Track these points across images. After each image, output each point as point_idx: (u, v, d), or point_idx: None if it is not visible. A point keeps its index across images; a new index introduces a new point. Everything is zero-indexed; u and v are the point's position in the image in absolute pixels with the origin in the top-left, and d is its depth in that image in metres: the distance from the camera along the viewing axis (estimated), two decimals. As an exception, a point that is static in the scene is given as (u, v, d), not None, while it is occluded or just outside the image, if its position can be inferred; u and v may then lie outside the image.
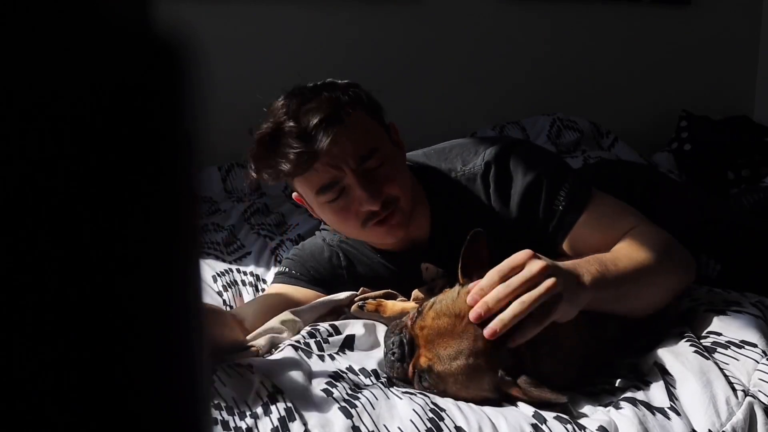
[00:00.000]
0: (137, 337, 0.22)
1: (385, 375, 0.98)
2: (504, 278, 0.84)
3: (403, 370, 0.93)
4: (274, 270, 1.55)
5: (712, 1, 3.02)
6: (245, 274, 1.50)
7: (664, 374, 0.92)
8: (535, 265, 0.84)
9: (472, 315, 0.84)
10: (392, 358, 0.94)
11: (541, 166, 1.14)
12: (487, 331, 0.83)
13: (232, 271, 1.48)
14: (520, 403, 0.88)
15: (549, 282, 0.83)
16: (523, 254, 0.86)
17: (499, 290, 0.83)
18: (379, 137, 1.12)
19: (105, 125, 0.21)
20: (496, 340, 0.85)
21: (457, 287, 0.94)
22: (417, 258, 1.23)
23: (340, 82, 1.16)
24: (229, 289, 1.41)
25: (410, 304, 1.13)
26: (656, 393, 0.88)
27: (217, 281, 1.42)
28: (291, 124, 1.06)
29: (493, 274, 0.85)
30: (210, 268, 1.47)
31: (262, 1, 2.46)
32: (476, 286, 0.86)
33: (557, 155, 1.29)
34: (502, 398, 0.89)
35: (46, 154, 0.20)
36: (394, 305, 1.14)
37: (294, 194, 1.21)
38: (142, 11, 0.22)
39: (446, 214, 1.19)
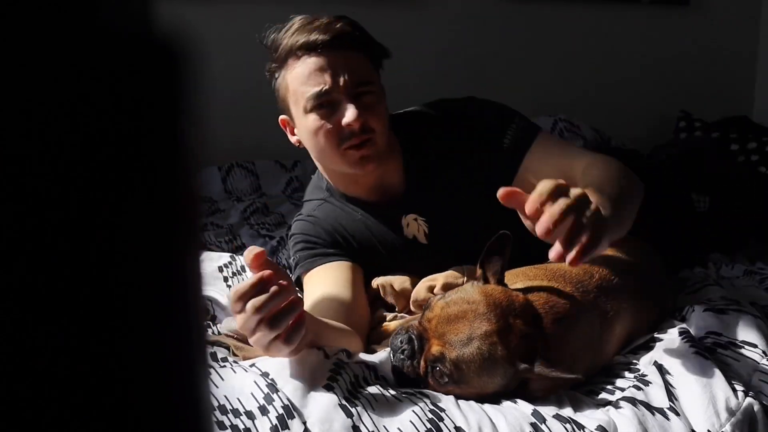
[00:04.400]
0: (136, 334, 0.23)
1: (383, 375, 0.96)
2: (554, 193, 0.78)
3: (414, 368, 0.90)
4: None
5: (710, 1, 3.02)
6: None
7: (664, 374, 0.92)
8: (576, 190, 0.80)
9: (541, 230, 0.76)
10: (402, 357, 0.91)
11: (491, 109, 1.28)
12: (553, 255, 0.77)
13: (235, 259, 1.49)
14: (519, 402, 0.87)
15: (593, 205, 0.80)
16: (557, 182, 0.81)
17: (561, 203, 0.76)
18: (375, 77, 1.22)
19: (105, 126, 0.21)
20: (508, 325, 0.86)
21: (470, 281, 0.93)
22: (395, 211, 1.29)
23: (355, 23, 1.26)
24: (236, 276, 1.42)
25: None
26: (656, 393, 0.88)
27: (222, 271, 1.43)
28: (309, 21, 1.20)
29: (548, 184, 0.78)
30: (214, 261, 1.48)
31: (262, 1, 2.46)
32: (533, 194, 0.79)
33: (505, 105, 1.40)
34: (512, 387, 0.88)
35: (46, 155, 0.20)
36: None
37: (281, 117, 1.26)
38: (142, 12, 0.22)
39: (420, 164, 1.26)
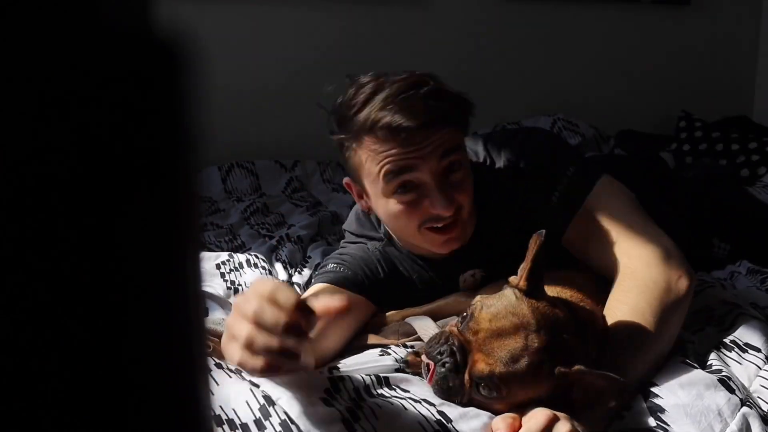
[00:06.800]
0: (136, 334, 0.22)
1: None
2: None
3: (459, 380, 0.86)
4: (277, 266, 1.55)
5: (711, 1, 3.02)
6: (249, 254, 1.53)
7: (647, 388, 0.88)
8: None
9: None
10: (443, 370, 0.87)
11: (544, 157, 1.14)
12: None
13: (233, 257, 1.49)
14: None
15: None
16: (545, 417, 0.79)
17: None
18: (462, 141, 1.09)
19: (105, 125, 0.21)
20: (559, 340, 0.83)
21: (510, 289, 0.89)
22: (457, 265, 1.19)
23: (442, 90, 1.08)
24: (234, 272, 1.43)
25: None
26: (641, 417, 0.85)
27: (220, 268, 1.43)
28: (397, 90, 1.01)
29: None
30: (212, 259, 1.48)
31: (262, 1, 2.46)
32: None
33: (560, 143, 1.26)
34: (554, 397, 0.84)
35: (47, 154, 0.20)
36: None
37: (345, 179, 1.16)
38: (142, 12, 0.22)
39: (490, 221, 1.16)
